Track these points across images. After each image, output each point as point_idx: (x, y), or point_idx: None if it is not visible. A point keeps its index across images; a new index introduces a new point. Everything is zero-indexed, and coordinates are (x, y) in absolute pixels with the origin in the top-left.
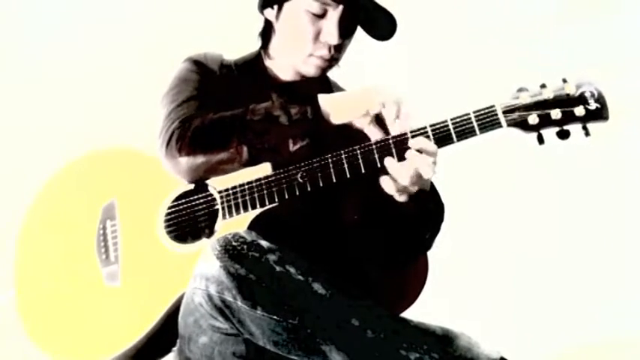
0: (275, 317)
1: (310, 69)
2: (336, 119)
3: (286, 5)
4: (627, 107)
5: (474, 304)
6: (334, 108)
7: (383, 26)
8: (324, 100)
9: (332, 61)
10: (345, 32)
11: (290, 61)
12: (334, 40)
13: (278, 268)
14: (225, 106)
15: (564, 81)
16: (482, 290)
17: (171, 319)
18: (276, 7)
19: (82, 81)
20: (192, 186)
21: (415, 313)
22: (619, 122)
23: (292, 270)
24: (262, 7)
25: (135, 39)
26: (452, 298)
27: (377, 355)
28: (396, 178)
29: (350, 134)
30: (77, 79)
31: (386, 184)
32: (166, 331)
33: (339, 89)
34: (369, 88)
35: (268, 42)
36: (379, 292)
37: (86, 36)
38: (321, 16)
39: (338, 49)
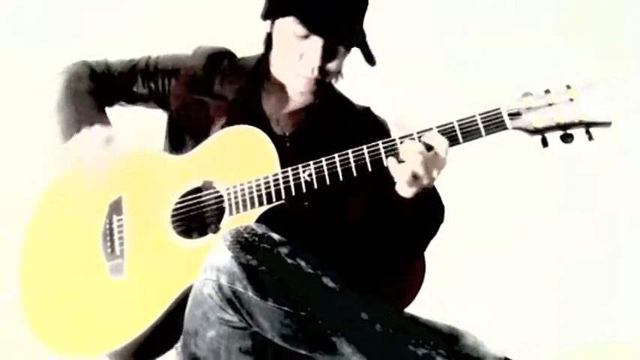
0: (285, 308)
1: (299, 85)
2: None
3: (277, 22)
4: (630, 112)
5: (477, 303)
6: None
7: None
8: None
9: (319, 81)
10: (330, 55)
11: (283, 73)
12: (315, 63)
13: (289, 261)
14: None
15: (568, 87)
16: (485, 290)
17: (174, 314)
18: (270, 21)
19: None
20: (199, 183)
21: (420, 310)
22: (622, 127)
23: (303, 263)
24: (263, 18)
25: (140, 35)
26: (455, 298)
27: (386, 348)
28: (410, 165)
29: None
30: None
31: (396, 169)
32: (169, 327)
33: (350, 108)
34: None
35: (270, 50)
36: (378, 290)
37: (90, 32)
38: (306, 37)
39: (323, 71)
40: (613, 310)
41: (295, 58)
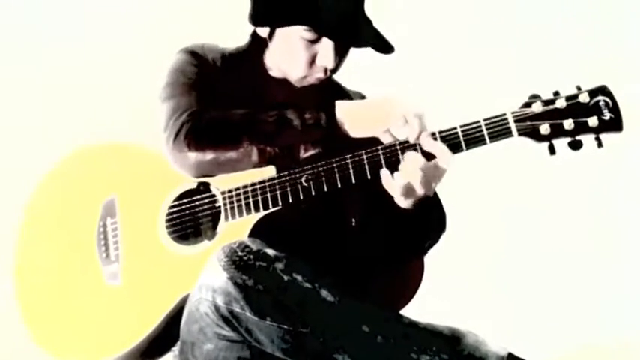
0: (284, 326)
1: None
2: (353, 132)
3: (279, 30)
4: None
5: (482, 306)
6: (351, 118)
7: (380, 46)
8: (341, 108)
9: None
10: (343, 52)
11: (288, 76)
12: (331, 64)
13: (285, 277)
14: (224, 99)
15: (578, 89)
16: (491, 294)
17: (173, 320)
18: (268, 29)
19: (81, 76)
20: (194, 185)
21: (423, 312)
22: (633, 133)
23: (299, 278)
24: (253, 23)
25: (133, 33)
26: (458, 299)
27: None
28: (405, 178)
29: (364, 143)
30: (76, 74)
31: (389, 183)
32: (168, 333)
33: (345, 92)
34: (389, 100)
35: (263, 51)
36: (376, 292)
37: (87, 31)
38: (316, 41)
39: (334, 68)
40: (617, 309)
41: (303, 64)
